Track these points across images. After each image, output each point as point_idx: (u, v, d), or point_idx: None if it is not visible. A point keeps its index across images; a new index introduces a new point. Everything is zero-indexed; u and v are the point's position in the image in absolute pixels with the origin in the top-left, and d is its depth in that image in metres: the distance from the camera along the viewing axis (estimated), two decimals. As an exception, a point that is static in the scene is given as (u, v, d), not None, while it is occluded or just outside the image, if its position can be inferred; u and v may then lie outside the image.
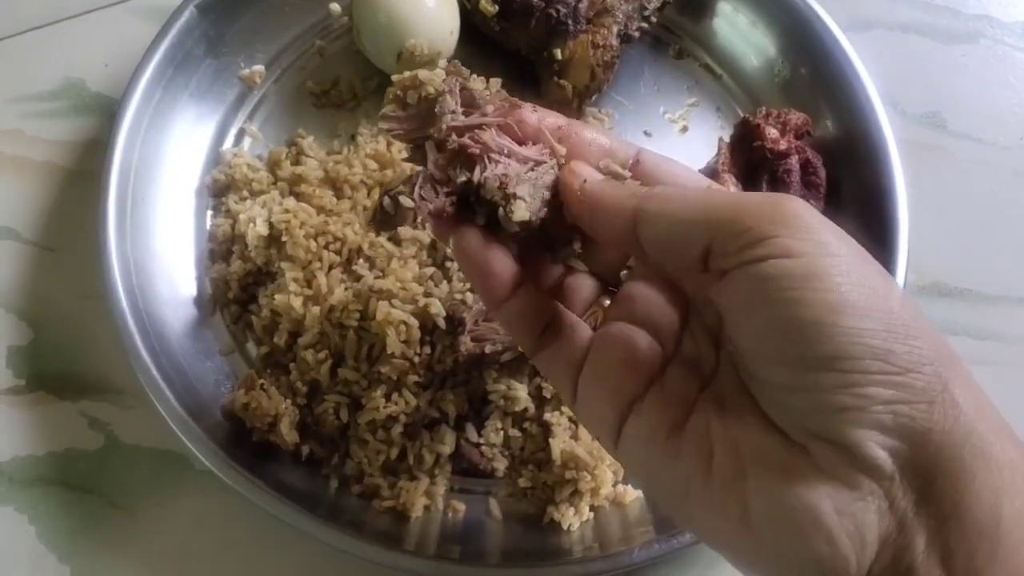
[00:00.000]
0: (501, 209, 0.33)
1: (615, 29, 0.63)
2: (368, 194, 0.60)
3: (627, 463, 0.34)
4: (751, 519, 0.29)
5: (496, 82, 0.37)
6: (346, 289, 0.55)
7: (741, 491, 0.29)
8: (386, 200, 0.49)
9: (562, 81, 0.62)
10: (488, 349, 0.51)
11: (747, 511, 0.29)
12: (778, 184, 0.58)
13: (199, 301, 0.59)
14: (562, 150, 0.35)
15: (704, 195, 0.31)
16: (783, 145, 0.58)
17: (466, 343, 0.51)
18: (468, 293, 0.53)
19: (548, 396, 0.54)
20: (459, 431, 0.53)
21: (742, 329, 0.30)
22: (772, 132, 0.58)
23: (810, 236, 0.28)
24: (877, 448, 0.27)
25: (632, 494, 0.54)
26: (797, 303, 0.28)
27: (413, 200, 0.34)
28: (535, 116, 0.36)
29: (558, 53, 0.62)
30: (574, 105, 0.64)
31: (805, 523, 0.27)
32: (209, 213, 0.62)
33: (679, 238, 0.31)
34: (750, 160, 0.59)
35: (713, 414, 0.31)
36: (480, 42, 0.66)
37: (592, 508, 0.53)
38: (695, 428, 0.31)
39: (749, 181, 0.59)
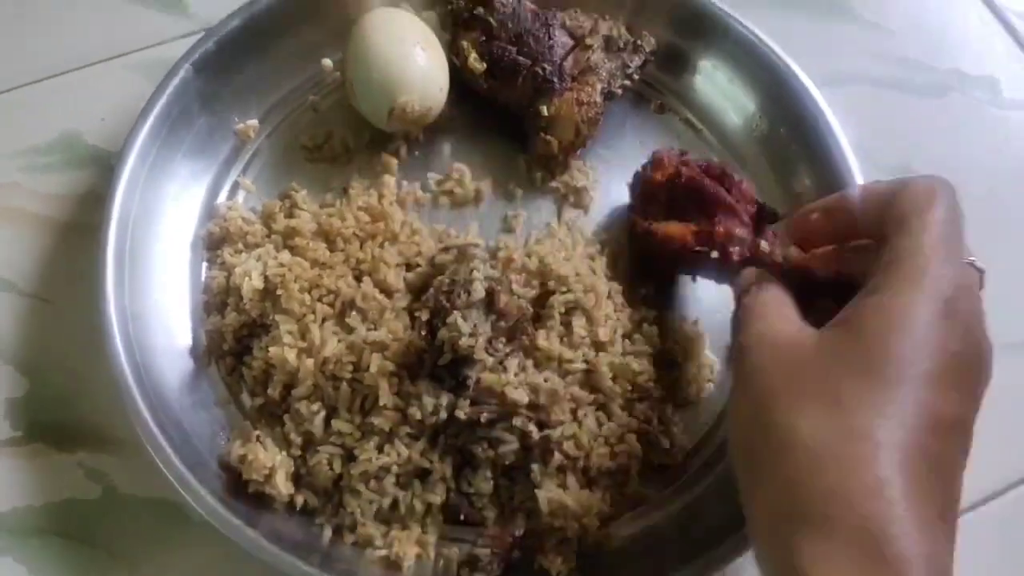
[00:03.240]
0: None
1: (599, 87, 0.65)
2: (360, 246, 0.61)
3: None
4: None
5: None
6: (339, 341, 0.56)
7: None
8: None
9: (548, 136, 0.65)
10: (484, 418, 0.52)
11: None
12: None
13: (195, 352, 0.60)
14: None
15: None
16: None
17: (465, 408, 0.52)
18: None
19: (533, 446, 0.55)
20: (449, 481, 0.55)
21: None
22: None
23: None
24: None
25: (619, 540, 0.55)
26: None
27: None
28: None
29: (544, 109, 0.64)
30: (560, 159, 0.66)
31: None
32: (204, 265, 0.63)
33: None
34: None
35: None
36: (469, 98, 0.68)
37: (579, 555, 0.55)
38: None
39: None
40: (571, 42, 0.66)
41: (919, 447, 0.38)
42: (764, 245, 0.54)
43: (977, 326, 0.42)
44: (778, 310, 0.47)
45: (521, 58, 0.64)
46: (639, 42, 0.68)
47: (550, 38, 0.65)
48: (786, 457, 0.40)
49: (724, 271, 0.56)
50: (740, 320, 0.48)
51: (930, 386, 0.39)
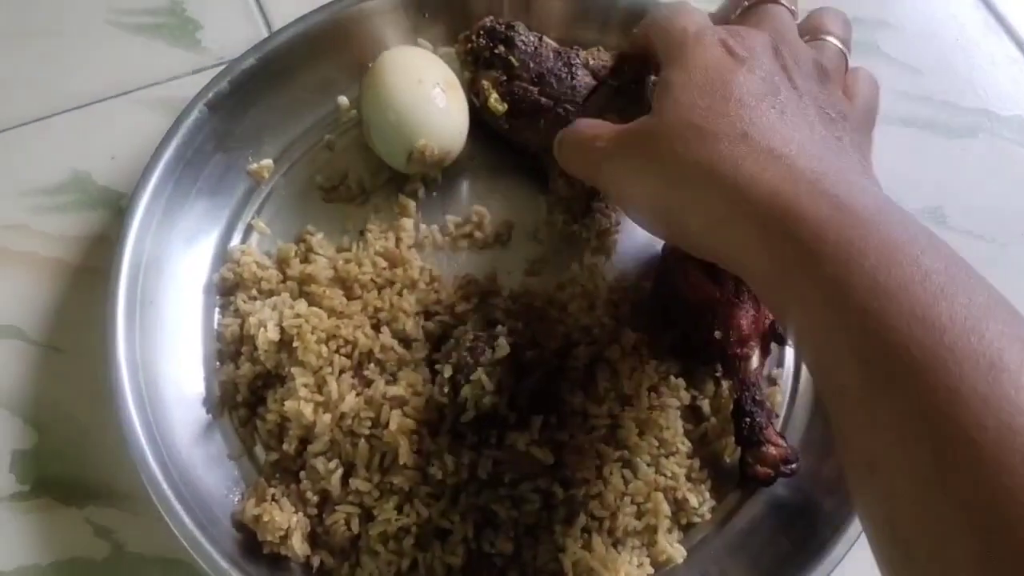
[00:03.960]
0: None
1: (623, 129, 0.63)
2: (378, 293, 0.59)
3: None
4: None
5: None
6: (357, 395, 0.54)
7: None
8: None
9: (571, 179, 0.63)
10: (507, 477, 0.53)
11: None
12: None
13: (207, 402, 0.58)
14: None
15: None
16: None
17: (487, 467, 0.52)
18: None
19: (557, 506, 0.53)
20: (470, 541, 0.53)
21: None
22: None
23: None
24: None
25: (646, 603, 0.54)
26: None
27: None
28: None
29: (567, 151, 0.62)
30: (582, 202, 0.64)
31: None
32: (217, 311, 0.61)
33: None
34: None
35: None
36: (489, 138, 0.66)
37: (605, 619, 0.53)
38: None
39: None
40: (594, 82, 0.64)
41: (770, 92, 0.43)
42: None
43: (761, 43, 0.46)
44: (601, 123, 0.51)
45: (543, 99, 0.63)
46: (663, 81, 0.66)
47: (573, 78, 0.63)
48: (696, 190, 0.43)
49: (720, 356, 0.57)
50: (574, 151, 0.52)
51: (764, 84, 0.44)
